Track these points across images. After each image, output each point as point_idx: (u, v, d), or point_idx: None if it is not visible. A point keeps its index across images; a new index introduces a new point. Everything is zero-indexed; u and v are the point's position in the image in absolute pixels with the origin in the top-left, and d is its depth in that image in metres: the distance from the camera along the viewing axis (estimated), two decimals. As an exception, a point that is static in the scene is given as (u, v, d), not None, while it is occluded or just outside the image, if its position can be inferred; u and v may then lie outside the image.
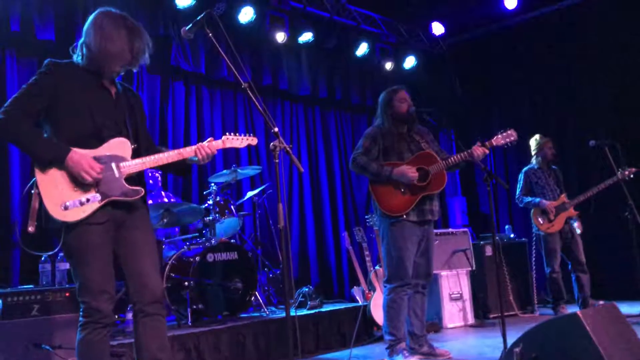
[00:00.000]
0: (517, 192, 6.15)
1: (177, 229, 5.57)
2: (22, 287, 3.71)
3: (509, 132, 4.09)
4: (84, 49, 2.72)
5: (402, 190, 4.00)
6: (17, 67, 5.22)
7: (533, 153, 6.11)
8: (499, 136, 4.08)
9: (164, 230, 5.33)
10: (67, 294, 3.59)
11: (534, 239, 6.23)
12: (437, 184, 4.05)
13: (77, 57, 2.75)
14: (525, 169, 6.16)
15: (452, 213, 8.28)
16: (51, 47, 5.34)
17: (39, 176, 2.56)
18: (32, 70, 5.33)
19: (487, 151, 4.00)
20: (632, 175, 5.60)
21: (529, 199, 5.99)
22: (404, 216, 3.99)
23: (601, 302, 5.56)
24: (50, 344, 3.42)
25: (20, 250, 4.95)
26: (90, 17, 2.77)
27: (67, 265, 3.76)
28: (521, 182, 6.13)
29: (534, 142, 6.15)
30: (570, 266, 5.88)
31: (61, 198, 2.53)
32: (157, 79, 6.21)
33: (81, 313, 2.57)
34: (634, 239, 5.43)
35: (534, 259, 6.39)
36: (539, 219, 5.94)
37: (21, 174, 5.13)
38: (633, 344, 3.22)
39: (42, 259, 3.80)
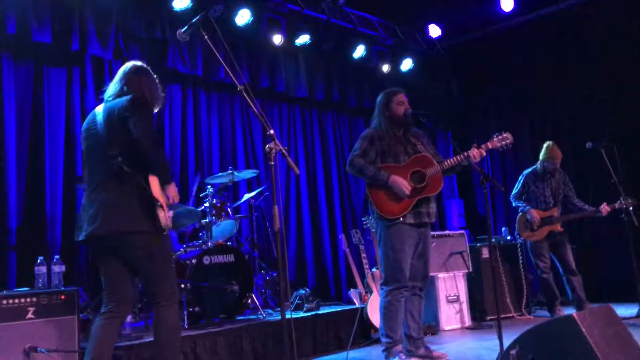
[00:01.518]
0: (513, 192, 6.15)
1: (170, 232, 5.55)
2: (18, 289, 3.70)
3: (504, 135, 4.09)
4: None
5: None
6: (13, 70, 5.22)
7: (540, 157, 6.00)
8: (495, 139, 4.09)
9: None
10: (62, 297, 3.58)
11: (519, 242, 6.24)
12: (434, 186, 4.05)
13: None
14: (526, 172, 6.08)
15: (449, 215, 8.29)
16: (48, 49, 5.35)
17: None
18: (28, 73, 5.34)
19: (484, 153, 4.01)
20: (631, 208, 5.57)
21: (521, 203, 5.98)
22: (401, 219, 3.99)
23: (596, 306, 5.56)
24: (46, 347, 3.40)
25: (16, 252, 4.95)
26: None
27: (62, 268, 3.75)
28: (519, 184, 6.11)
29: (545, 147, 5.93)
30: (561, 270, 5.87)
31: None
32: (154, 81, 6.19)
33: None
34: (630, 241, 5.43)
35: (521, 262, 6.38)
36: (522, 227, 5.94)
37: (17, 177, 5.12)
38: (629, 346, 3.22)
39: (38, 261, 3.79)
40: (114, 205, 2.92)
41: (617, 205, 5.58)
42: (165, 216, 2.94)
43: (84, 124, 3.19)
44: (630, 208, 5.54)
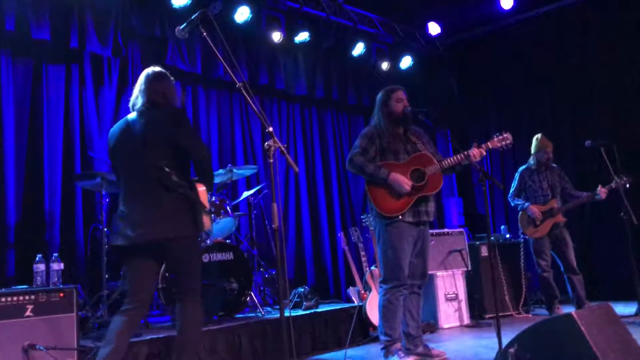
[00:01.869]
0: (510, 191, 6.15)
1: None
2: (16, 287, 3.70)
3: (505, 135, 4.09)
4: None
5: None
6: (12, 67, 5.21)
7: (532, 151, 6.07)
8: (495, 139, 4.09)
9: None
10: (61, 295, 3.58)
11: (522, 240, 6.25)
12: (433, 185, 4.04)
13: None
14: (521, 168, 6.14)
15: (448, 213, 8.29)
16: (47, 46, 5.34)
17: None
18: (27, 70, 5.33)
19: (484, 152, 4.00)
20: (627, 185, 5.59)
21: (519, 201, 5.99)
22: (400, 217, 3.98)
23: (595, 304, 5.56)
24: (44, 345, 3.40)
25: (15, 250, 4.95)
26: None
27: (61, 266, 3.75)
28: (515, 181, 6.13)
29: (535, 140, 6.05)
30: (562, 268, 5.88)
31: None
32: (152, 78, 6.19)
33: None
34: (629, 240, 5.43)
35: (522, 260, 6.38)
36: (525, 223, 5.95)
37: (16, 174, 5.11)
38: (628, 344, 3.22)
39: (37, 259, 3.78)
40: (160, 212, 3.06)
41: (613, 185, 5.59)
42: (208, 221, 3.16)
43: (116, 131, 3.26)
44: (627, 185, 5.56)
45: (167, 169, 3.02)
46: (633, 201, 5.59)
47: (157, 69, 3.33)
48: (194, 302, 3.16)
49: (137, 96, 3.26)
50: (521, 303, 6.35)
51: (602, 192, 5.66)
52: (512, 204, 6.13)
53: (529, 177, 6.02)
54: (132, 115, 3.24)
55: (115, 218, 3.19)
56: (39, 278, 3.75)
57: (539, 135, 6.05)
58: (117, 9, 5.64)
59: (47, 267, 3.78)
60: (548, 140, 6.01)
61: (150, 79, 3.26)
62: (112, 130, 3.30)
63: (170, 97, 3.27)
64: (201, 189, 3.17)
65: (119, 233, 3.12)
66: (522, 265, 6.38)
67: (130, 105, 3.29)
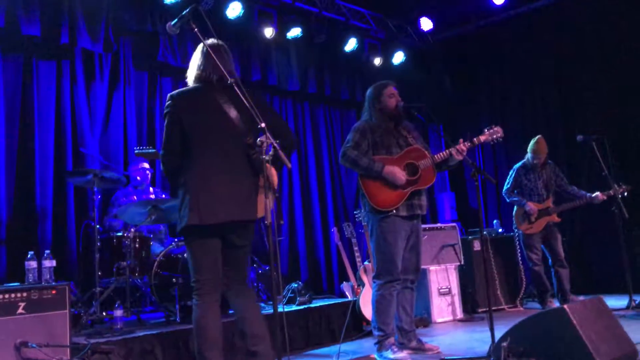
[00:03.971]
0: (505, 187, 6.17)
1: (162, 226, 5.54)
2: (8, 284, 3.67)
3: (495, 128, 4.11)
4: None
5: (392, 185, 4.00)
6: (2, 63, 5.17)
7: (528, 150, 6.06)
8: (486, 132, 4.11)
9: (151, 227, 5.30)
10: (53, 292, 3.56)
11: (515, 234, 6.27)
12: (427, 179, 4.06)
13: None
14: (517, 165, 6.13)
15: (441, 208, 8.31)
16: (37, 42, 5.30)
17: None
18: (17, 66, 5.28)
19: (464, 147, 3.99)
20: (625, 193, 5.61)
21: (516, 198, 6.01)
22: (394, 211, 3.99)
23: (581, 298, 5.61)
24: (37, 343, 3.38)
25: (6, 247, 4.92)
26: None
27: (53, 263, 3.73)
28: (511, 178, 6.14)
29: (533, 141, 6.00)
30: (550, 261, 5.92)
31: None
32: (144, 75, 6.17)
33: None
34: (621, 234, 5.47)
35: (519, 254, 6.42)
36: (520, 219, 5.97)
37: (7, 171, 5.08)
38: (619, 337, 3.24)
39: (28, 256, 3.76)
40: (249, 193, 2.98)
41: (612, 192, 5.61)
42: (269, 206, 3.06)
43: (182, 95, 3.01)
44: (625, 194, 5.58)
45: (257, 149, 2.86)
46: (624, 196, 5.61)
47: (218, 41, 3.12)
48: (249, 289, 3.16)
49: (204, 69, 3.05)
50: (519, 297, 6.37)
51: (599, 197, 5.70)
52: (508, 200, 6.14)
53: (524, 175, 6.03)
54: (205, 88, 3.04)
55: (188, 194, 2.93)
56: (30, 275, 3.72)
57: (538, 138, 5.98)
58: (108, 4, 5.60)
59: (39, 264, 3.76)
60: (545, 145, 5.95)
61: (221, 52, 3.06)
62: (179, 98, 3.02)
63: (236, 76, 3.06)
64: (274, 173, 3.07)
65: (198, 211, 2.89)
66: (520, 259, 6.42)
67: (194, 77, 3.09)
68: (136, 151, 4.34)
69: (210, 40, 3.10)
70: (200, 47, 3.12)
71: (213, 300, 3.03)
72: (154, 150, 4.34)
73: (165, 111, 3.05)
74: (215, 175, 2.93)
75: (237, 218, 2.94)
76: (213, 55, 2.98)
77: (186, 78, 3.16)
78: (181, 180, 3.01)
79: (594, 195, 5.72)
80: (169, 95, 3.07)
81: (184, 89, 3.08)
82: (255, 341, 2.98)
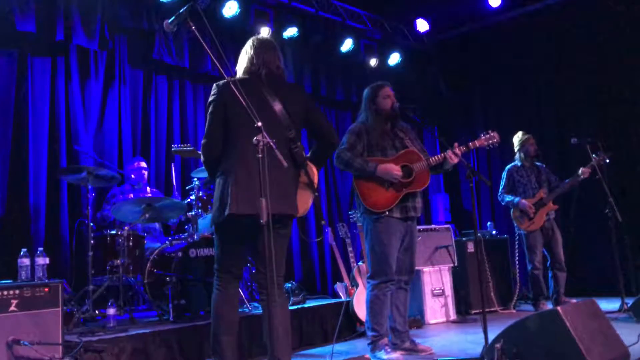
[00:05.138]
0: (500, 190, 6.20)
1: (156, 225, 5.53)
2: (1, 282, 3.65)
3: (491, 134, 4.12)
4: None
5: (386, 186, 4.01)
6: (-4, 59, 5.14)
7: (515, 149, 6.17)
8: (482, 138, 4.12)
9: (145, 225, 5.29)
10: (46, 289, 3.54)
11: (517, 237, 6.29)
12: (421, 181, 4.06)
13: None
14: (508, 166, 6.20)
15: (435, 209, 8.33)
16: (32, 39, 5.27)
17: None
18: (11, 62, 5.26)
19: (459, 152, 3.99)
20: (607, 160, 5.63)
21: (510, 198, 6.03)
22: (387, 212, 3.99)
23: (573, 301, 5.63)
24: (29, 340, 3.37)
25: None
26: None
27: (46, 260, 3.72)
28: (504, 179, 6.17)
29: (516, 139, 6.20)
30: (549, 263, 5.95)
31: None
32: (139, 73, 6.15)
33: None
34: (614, 236, 5.49)
35: (517, 256, 6.44)
36: (519, 219, 5.99)
37: (0, 168, 5.05)
38: (611, 339, 3.26)
39: (21, 253, 3.74)
40: (289, 187, 3.03)
41: (593, 162, 5.62)
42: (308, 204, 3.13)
43: (229, 84, 2.85)
44: (607, 160, 5.60)
45: (299, 143, 2.95)
46: (618, 198, 5.63)
47: (267, 37, 3.19)
48: (282, 284, 3.20)
49: (253, 62, 3.11)
50: (514, 299, 6.38)
51: (584, 172, 5.71)
52: (503, 203, 6.16)
53: (517, 174, 6.08)
54: (252, 80, 3.06)
55: (227, 185, 2.92)
56: (23, 273, 3.71)
57: (519, 133, 6.19)
58: (104, 1, 5.59)
59: (32, 262, 3.74)
60: (526, 133, 6.15)
61: (270, 48, 3.15)
62: (225, 88, 2.97)
63: (284, 71, 3.17)
64: (315, 172, 3.12)
65: (236, 201, 2.88)
66: (517, 261, 6.44)
67: (243, 69, 3.14)
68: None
69: (260, 35, 3.19)
70: (250, 40, 3.20)
71: (232, 288, 3.12)
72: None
73: (210, 99, 3.06)
74: (254, 166, 2.80)
75: (276, 211, 2.87)
76: (264, 49, 3.10)
77: (235, 71, 3.21)
78: (220, 169, 3.03)
79: (579, 172, 5.73)
80: (215, 84, 3.09)
81: (232, 78, 2.99)
82: (272, 340, 2.98)
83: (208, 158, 3.09)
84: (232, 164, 2.98)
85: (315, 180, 3.10)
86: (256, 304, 5.25)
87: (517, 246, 6.38)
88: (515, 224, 6.07)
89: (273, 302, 2.89)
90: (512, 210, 6.05)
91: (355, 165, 4.02)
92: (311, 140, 2.87)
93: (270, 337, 2.95)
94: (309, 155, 3.15)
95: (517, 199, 5.95)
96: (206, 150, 3.06)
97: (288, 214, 3.04)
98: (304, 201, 3.13)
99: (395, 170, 3.95)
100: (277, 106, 3.03)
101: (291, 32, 6.94)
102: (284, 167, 2.78)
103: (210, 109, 3.04)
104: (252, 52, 3.15)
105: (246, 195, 2.89)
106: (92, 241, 4.56)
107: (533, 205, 5.90)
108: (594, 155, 5.62)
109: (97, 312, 4.41)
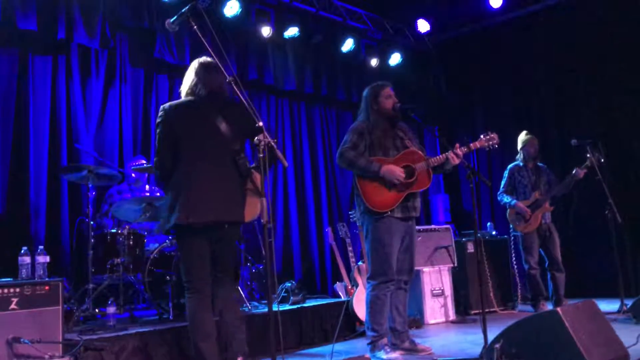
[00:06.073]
0: (500, 188, 6.19)
1: (156, 223, 5.53)
2: (1, 280, 3.65)
3: (491, 135, 4.13)
4: None
5: (389, 186, 4.01)
6: (-3, 57, 5.15)
7: (518, 149, 6.15)
8: (482, 139, 4.13)
9: (145, 224, 5.29)
10: (47, 288, 3.54)
11: (512, 238, 6.29)
12: (423, 182, 4.07)
13: None
14: (510, 166, 6.18)
15: (435, 210, 8.33)
16: (33, 37, 5.27)
17: None
18: (12, 61, 5.26)
19: (460, 152, 4.01)
20: (602, 160, 5.61)
21: (507, 199, 6.03)
22: (389, 212, 4.00)
23: (573, 301, 5.63)
24: (29, 338, 3.37)
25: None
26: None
27: (47, 259, 3.72)
28: (505, 179, 6.17)
29: (520, 138, 6.16)
30: (547, 264, 5.94)
31: None
32: (140, 72, 6.15)
33: None
34: (614, 238, 5.49)
35: (513, 257, 6.44)
36: (516, 221, 5.99)
37: (1, 166, 5.05)
38: (611, 340, 3.26)
39: (22, 251, 3.75)
40: (235, 196, 3.27)
41: (588, 162, 5.61)
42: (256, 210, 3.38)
43: (174, 106, 3.29)
44: (602, 160, 5.59)
45: (243, 155, 3.23)
46: (618, 199, 5.63)
47: (210, 59, 3.36)
48: (231, 285, 3.40)
49: (195, 84, 3.33)
50: (506, 299, 6.38)
51: (578, 172, 5.70)
52: (502, 203, 6.15)
53: (518, 173, 6.07)
54: (196, 101, 3.30)
55: (177, 196, 3.19)
56: (24, 271, 3.71)
57: (523, 133, 6.17)
58: (106, 0, 5.59)
59: (33, 260, 3.74)
60: (530, 133, 6.12)
61: (212, 69, 3.33)
62: (171, 109, 3.28)
63: (225, 90, 3.38)
64: (259, 179, 3.28)
65: (186, 211, 3.13)
66: (514, 262, 6.44)
67: (186, 91, 3.36)
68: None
69: (203, 58, 3.40)
70: (193, 64, 3.42)
71: (204, 295, 3.25)
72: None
73: (157, 121, 3.31)
74: (202, 177, 3.19)
75: (223, 219, 3.20)
76: (206, 71, 3.33)
77: (180, 90, 3.43)
78: (170, 183, 3.26)
79: (573, 172, 5.72)
80: (161, 106, 3.35)
81: (176, 101, 3.37)
82: (229, 332, 3.27)
83: (162, 173, 3.33)
84: (180, 178, 3.22)
85: (259, 186, 3.25)
86: (255, 303, 5.26)
87: (512, 246, 6.37)
88: (511, 226, 6.07)
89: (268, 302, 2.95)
90: (507, 211, 6.05)
91: (358, 165, 4.02)
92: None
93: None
94: (253, 165, 3.35)
95: (513, 201, 5.95)
96: (158, 166, 3.31)
97: (235, 221, 3.28)
98: (252, 207, 3.36)
99: (399, 171, 3.96)
100: (220, 122, 3.26)
101: (292, 31, 6.94)
102: (231, 177, 3.17)
103: (158, 129, 3.29)
104: (193, 76, 3.36)
105: (194, 205, 3.15)
106: (92, 240, 4.57)
107: (529, 206, 5.89)
108: (588, 155, 5.62)
109: (97, 310, 4.42)
